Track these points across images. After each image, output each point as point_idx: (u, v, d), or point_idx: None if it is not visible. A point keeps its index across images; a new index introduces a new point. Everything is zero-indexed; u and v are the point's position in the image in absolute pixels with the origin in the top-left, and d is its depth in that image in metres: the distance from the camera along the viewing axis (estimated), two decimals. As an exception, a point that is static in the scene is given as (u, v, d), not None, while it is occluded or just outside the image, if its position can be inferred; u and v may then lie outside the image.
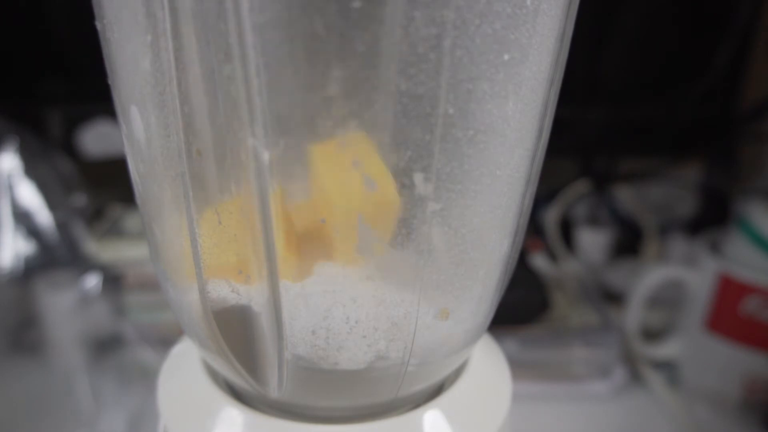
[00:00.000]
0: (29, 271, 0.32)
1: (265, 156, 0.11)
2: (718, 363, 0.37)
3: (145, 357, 0.36)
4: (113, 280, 0.35)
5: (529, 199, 0.15)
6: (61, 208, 0.34)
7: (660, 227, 0.54)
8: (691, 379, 0.39)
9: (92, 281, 0.33)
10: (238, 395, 0.17)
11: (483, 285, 0.15)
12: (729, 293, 0.35)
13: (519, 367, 0.37)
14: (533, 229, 0.54)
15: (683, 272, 0.39)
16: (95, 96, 0.36)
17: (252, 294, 0.13)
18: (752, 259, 0.35)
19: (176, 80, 0.11)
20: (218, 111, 0.11)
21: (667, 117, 0.53)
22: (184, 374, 0.17)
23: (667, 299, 0.42)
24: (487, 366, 0.18)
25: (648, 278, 0.39)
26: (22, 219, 0.33)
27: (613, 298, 0.47)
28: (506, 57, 0.12)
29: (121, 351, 0.36)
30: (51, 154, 0.37)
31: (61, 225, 0.34)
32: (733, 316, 0.35)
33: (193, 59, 0.11)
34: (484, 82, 0.12)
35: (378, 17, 0.11)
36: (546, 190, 0.55)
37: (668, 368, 0.40)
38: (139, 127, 0.13)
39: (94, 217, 0.48)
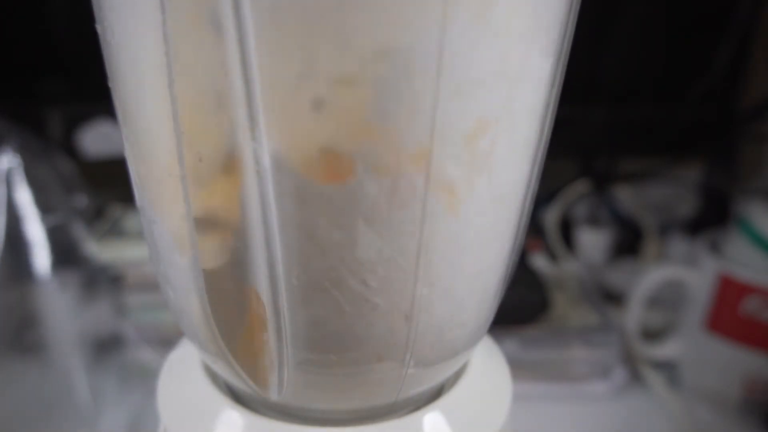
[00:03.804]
0: (29, 272, 0.32)
1: (266, 159, 0.11)
2: (718, 363, 0.37)
3: (145, 357, 0.36)
4: (113, 280, 0.35)
5: (529, 201, 0.15)
6: (61, 209, 0.34)
7: (660, 227, 0.54)
8: (691, 379, 0.39)
9: (92, 281, 0.33)
10: (238, 397, 0.17)
11: (483, 287, 0.15)
12: (729, 293, 0.36)
13: (519, 368, 0.37)
14: (533, 229, 0.54)
15: (683, 272, 0.39)
16: (95, 96, 0.36)
17: (253, 296, 0.13)
18: (752, 259, 0.35)
19: (176, 83, 0.11)
20: (218, 114, 0.11)
21: (667, 117, 0.53)
22: (184, 376, 0.17)
23: (667, 299, 0.42)
24: (488, 367, 0.18)
25: (648, 278, 0.39)
26: (22, 219, 0.33)
27: (613, 298, 0.47)
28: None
29: (121, 351, 0.36)
30: (51, 154, 0.37)
31: (62, 225, 0.34)
32: (733, 316, 0.35)
33: (193, 62, 0.11)
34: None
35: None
36: (546, 190, 0.55)
37: (668, 368, 0.40)
38: (140, 129, 0.13)
39: (95, 217, 0.48)
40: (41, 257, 0.33)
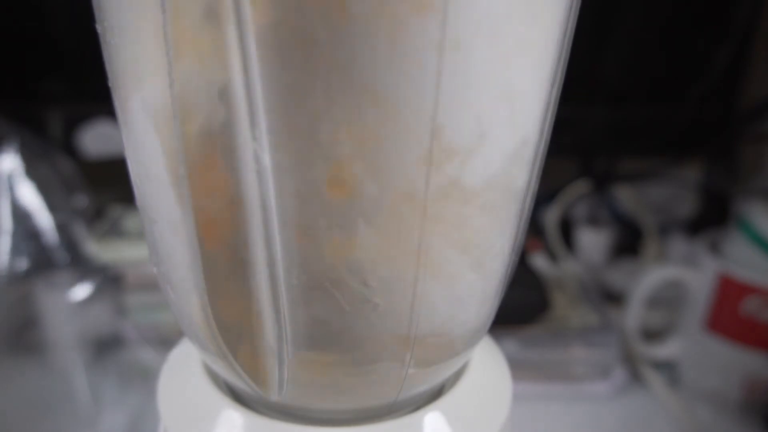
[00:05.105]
0: (29, 272, 0.32)
1: (266, 160, 0.11)
2: (718, 363, 0.37)
3: (145, 357, 0.36)
4: (113, 280, 0.35)
5: (529, 202, 0.15)
6: (61, 209, 0.34)
7: (660, 227, 0.54)
8: (691, 379, 0.39)
9: (92, 281, 0.33)
10: (238, 397, 0.17)
11: (483, 287, 0.15)
12: (729, 293, 0.36)
13: (519, 367, 0.37)
14: (533, 229, 0.54)
15: (683, 272, 0.39)
16: (95, 96, 0.36)
17: (253, 296, 0.13)
18: (752, 259, 0.35)
19: (177, 83, 0.11)
20: (219, 114, 0.11)
21: (667, 117, 0.53)
22: (185, 376, 0.17)
23: (667, 299, 0.42)
24: (488, 367, 0.18)
25: (648, 278, 0.39)
26: (23, 219, 0.33)
27: (613, 298, 0.47)
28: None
29: (121, 351, 0.36)
30: (51, 154, 0.37)
31: (62, 225, 0.34)
32: (733, 316, 0.36)
33: (193, 62, 0.11)
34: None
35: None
36: (546, 190, 0.55)
37: (668, 368, 0.40)
38: (140, 130, 0.13)
39: (95, 217, 0.48)
40: (41, 257, 0.33)
